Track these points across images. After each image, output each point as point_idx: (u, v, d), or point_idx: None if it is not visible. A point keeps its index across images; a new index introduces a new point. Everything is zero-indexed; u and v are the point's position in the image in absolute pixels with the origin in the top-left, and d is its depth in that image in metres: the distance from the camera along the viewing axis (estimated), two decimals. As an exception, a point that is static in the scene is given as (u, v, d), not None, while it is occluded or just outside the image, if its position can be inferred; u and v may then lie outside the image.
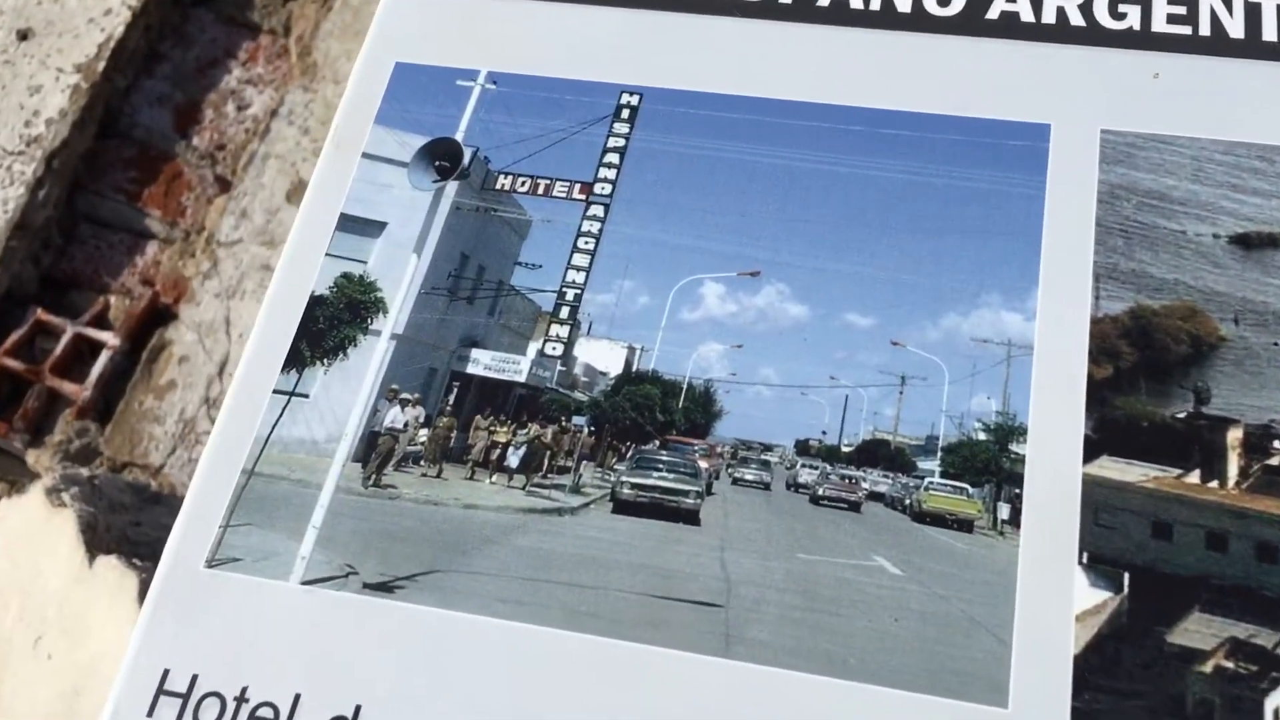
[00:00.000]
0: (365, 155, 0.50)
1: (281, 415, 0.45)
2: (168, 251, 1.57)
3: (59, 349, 1.49)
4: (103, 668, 0.89)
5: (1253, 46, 0.49)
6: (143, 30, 1.62)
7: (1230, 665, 0.36)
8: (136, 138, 1.61)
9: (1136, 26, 0.49)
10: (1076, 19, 0.50)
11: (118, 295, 1.55)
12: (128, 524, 1.13)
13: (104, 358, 1.49)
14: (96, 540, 1.05)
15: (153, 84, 1.63)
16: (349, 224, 0.47)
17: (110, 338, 1.50)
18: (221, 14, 1.66)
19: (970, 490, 0.44)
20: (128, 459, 1.45)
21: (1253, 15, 0.49)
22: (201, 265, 1.55)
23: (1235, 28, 0.50)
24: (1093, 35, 0.50)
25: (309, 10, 1.65)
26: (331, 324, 0.45)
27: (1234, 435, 0.41)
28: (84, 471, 1.29)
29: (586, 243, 0.45)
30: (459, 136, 0.49)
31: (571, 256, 0.45)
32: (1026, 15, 0.50)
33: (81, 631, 0.98)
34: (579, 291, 0.46)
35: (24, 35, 1.58)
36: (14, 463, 1.54)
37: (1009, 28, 0.50)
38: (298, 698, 0.39)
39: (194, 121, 1.62)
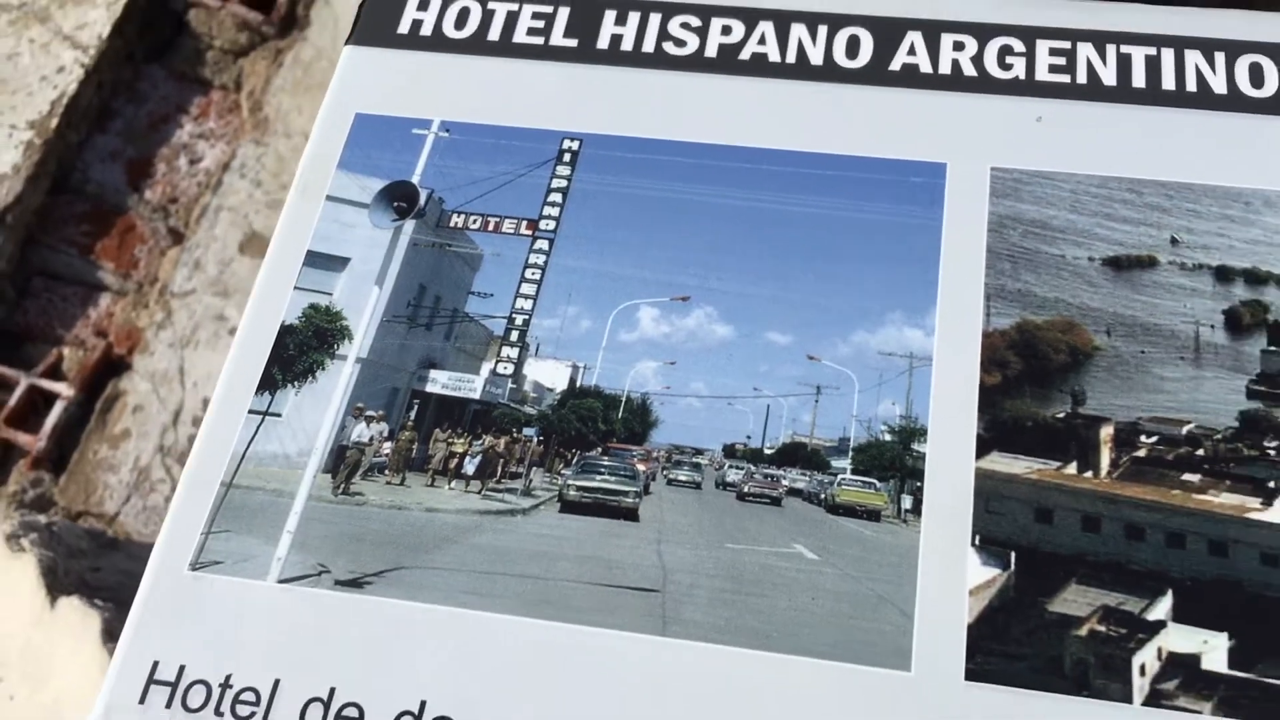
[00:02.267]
0: (329, 198, 0.55)
1: (256, 433, 0.49)
2: (121, 303, 1.60)
3: (13, 400, 1.51)
4: (66, 708, 0.91)
5: (1123, 92, 0.56)
6: (95, 87, 1.66)
7: (1103, 629, 0.42)
8: (89, 192, 1.64)
9: (1022, 76, 0.56)
10: (969, 69, 0.56)
11: (71, 347, 1.58)
12: (86, 569, 1.16)
13: (58, 408, 1.51)
14: (57, 583, 1.08)
15: (105, 140, 1.66)
16: (315, 260, 0.52)
17: (64, 388, 1.53)
18: (174, 70, 1.71)
19: (877, 484, 0.49)
20: (83, 508, 1.47)
21: (1123, 64, 0.57)
22: (155, 316, 1.58)
23: (1109, 76, 0.57)
24: (983, 84, 0.56)
25: (260, 66, 1.70)
26: (301, 350, 0.50)
27: (1106, 432, 0.47)
28: (41, 519, 1.31)
29: (533, 274, 0.51)
30: (415, 179, 0.55)
31: (520, 286, 0.51)
32: (925, 67, 0.57)
33: (44, 673, 1.00)
34: (527, 317, 0.52)
35: None
36: (-34, 517, 1.55)
37: (909, 78, 0.57)
38: (277, 683, 0.43)
39: (146, 175, 1.65)
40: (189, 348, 1.57)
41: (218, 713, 0.43)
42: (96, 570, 1.18)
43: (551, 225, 0.53)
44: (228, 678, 0.44)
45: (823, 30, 0.58)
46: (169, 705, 0.44)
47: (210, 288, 1.59)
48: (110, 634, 1.01)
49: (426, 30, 0.60)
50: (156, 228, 1.64)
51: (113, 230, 1.63)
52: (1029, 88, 0.56)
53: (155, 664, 0.45)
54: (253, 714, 0.43)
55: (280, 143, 1.64)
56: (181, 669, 0.45)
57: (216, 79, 1.71)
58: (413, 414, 0.52)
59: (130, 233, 1.64)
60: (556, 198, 0.52)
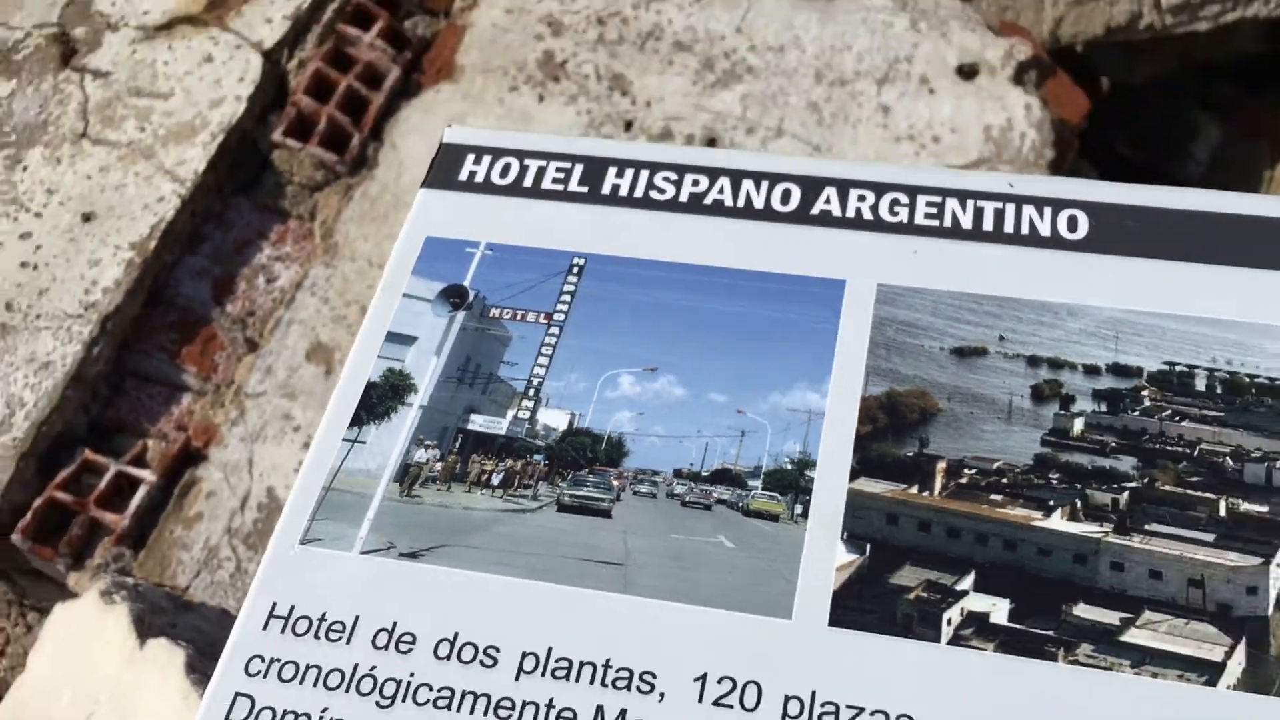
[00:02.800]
0: (405, 295, 0.77)
1: (348, 454, 0.70)
2: (200, 402, 1.83)
3: (102, 484, 1.73)
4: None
5: (977, 233, 0.78)
6: (189, 215, 1.91)
7: (925, 595, 0.61)
8: (179, 305, 1.89)
9: (905, 220, 0.78)
10: (867, 215, 0.79)
11: (155, 439, 1.80)
12: (166, 624, 1.35)
13: (141, 492, 1.73)
14: (145, 629, 1.27)
15: (195, 260, 1.92)
16: (393, 337, 0.74)
17: (147, 475, 1.74)
18: (257, 202, 1.97)
19: (779, 497, 0.69)
20: (158, 580, 1.67)
21: (978, 214, 0.79)
22: (229, 414, 1.80)
23: (966, 221, 0.79)
24: (876, 225, 0.78)
25: (332, 200, 1.96)
26: (380, 399, 0.71)
27: (940, 465, 0.67)
28: (129, 579, 1.51)
29: (546, 350, 0.73)
30: (466, 283, 0.77)
31: (536, 358, 0.73)
32: (836, 212, 0.79)
33: (132, 707, 1.18)
34: (540, 380, 0.74)
35: (88, 217, 1.87)
36: (54, 587, 1.76)
37: (824, 220, 0.79)
38: (357, 618, 0.64)
39: (229, 292, 1.90)
40: (258, 442, 1.78)
41: (315, 637, 0.64)
42: (174, 626, 1.36)
43: (562, 317, 0.75)
44: (323, 614, 0.65)
45: (764, 184, 0.81)
46: (282, 631, 0.64)
47: (279, 390, 1.81)
48: (192, 668, 1.20)
49: (479, 179, 0.84)
50: (235, 337, 1.88)
51: (197, 338, 1.87)
52: (909, 229, 0.77)
53: (274, 604, 0.65)
54: (339, 638, 0.64)
55: (346, 265, 1.88)
56: (292, 608, 0.65)
57: (294, 210, 1.97)
58: (458, 443, 0.73)
59: (212, 341, 1.88)
60: (566, 298, 0.75)
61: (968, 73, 2.22)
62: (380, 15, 2.09)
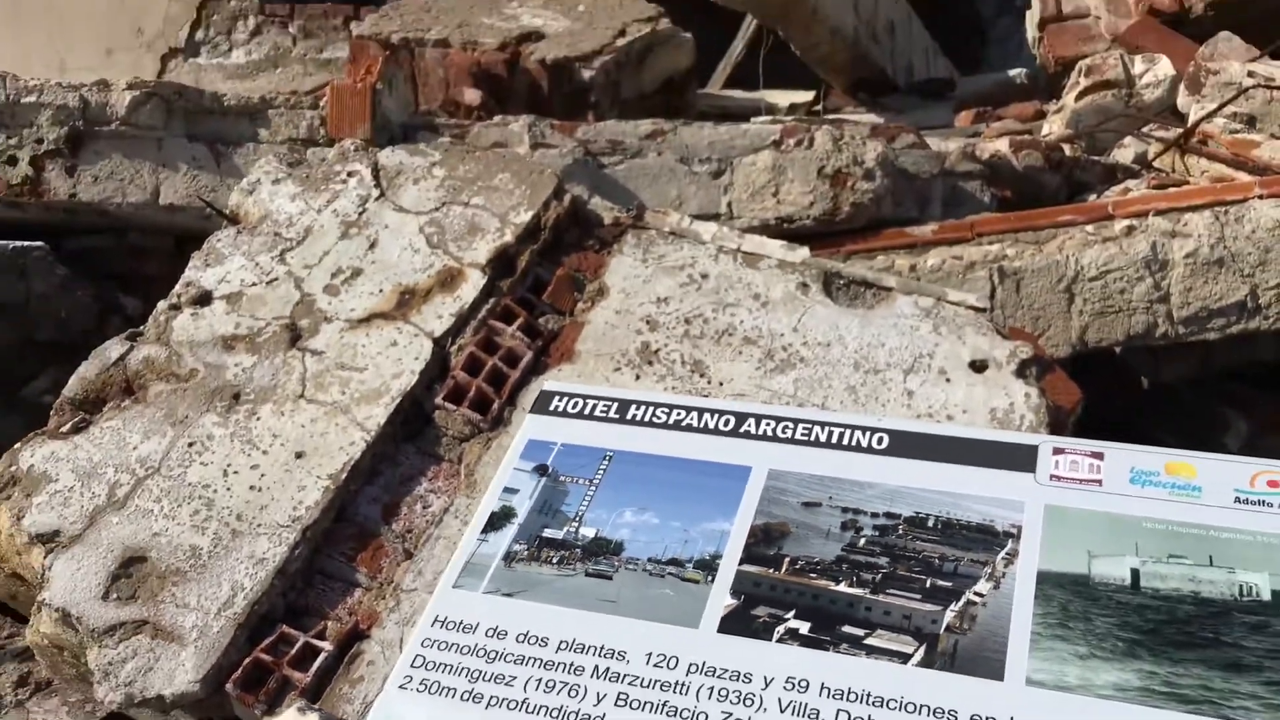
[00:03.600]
0: (514, 469, 1.41)
1: (478, 547, 1.32)
2: (367, 595, 2.43)
3: (292, 651, 2.32)
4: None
5: (827, 443, 1.38)
6: (370, 456, 2.58)
7: (767, 620, 1.17)
8: (357, 522, 2.53)
9: (789, 437, 1.39)
10: (768, 432, 1.39)
11: (333, 620, 2.40)
12: None
13: (320, 659, 2.31)
14: None
15: (371, 489, 2.57)
16: (506, 490, 1.37)
17: (326, 646, 2.33)
18: (420, 448, 2.63)
19: (700, 571, 1.28)
20: None
21: (830, 433, 1.39)
22: (389, 604, 2.39)
23: (823, 437, 1.38)
24: (773, 439, 1.38)
25: (475, 448, 2.60)
26: (497, 519, 1.33)
27: (786, 559, 1.25)
28: (316, 707, 2.08)
29: (587, 498, 1.35)
30: (548, 463, 1.41)
31: (582, 500, 1.35)
32: (753, 431, 1.40)
33: None
34: (583, 512, 1.36)
35: (299, 455, 2.55)
36: (247, 729, 2.32)
37: (747, 434, 1.40)
38: (478, 622, 1.26)
39: (394, 514, 2.54)
40: (408, 625, 2.36)
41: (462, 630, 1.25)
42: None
43: (598, 481, 1.38)
44: (462, 620, 1.26)
45: (718, 416, 1.43)
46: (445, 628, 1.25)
47: (426, 588, 2.40)
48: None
49: (559, 409, 1.48)
50: (396, 547, 2.50)
51: (368, 547, 2.50)
52: (790, 442, 1.39)
53: (443, 615, 1.24)
54: (469, 632, 1.25)
55: (481, 496, 2.50)
56: (448, 616, 1.25)
57: (446, 455, 2.62)
58: (536, 542, 1.34)
59: (379, 550, 2.50)
60: (600, 472, 1.37)
61: (979, 367, 2.79)
62: (520, 314, 2.81)
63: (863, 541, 1.24)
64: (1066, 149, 4.89)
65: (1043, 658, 1.07)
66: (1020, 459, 1.34)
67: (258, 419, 2.60)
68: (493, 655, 1.16)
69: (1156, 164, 4.44)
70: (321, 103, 3.85)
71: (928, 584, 1.16)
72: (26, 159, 3.70)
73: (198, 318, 2.79)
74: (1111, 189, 4.29)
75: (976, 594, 1.14)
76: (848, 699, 1.06)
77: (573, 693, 1.18)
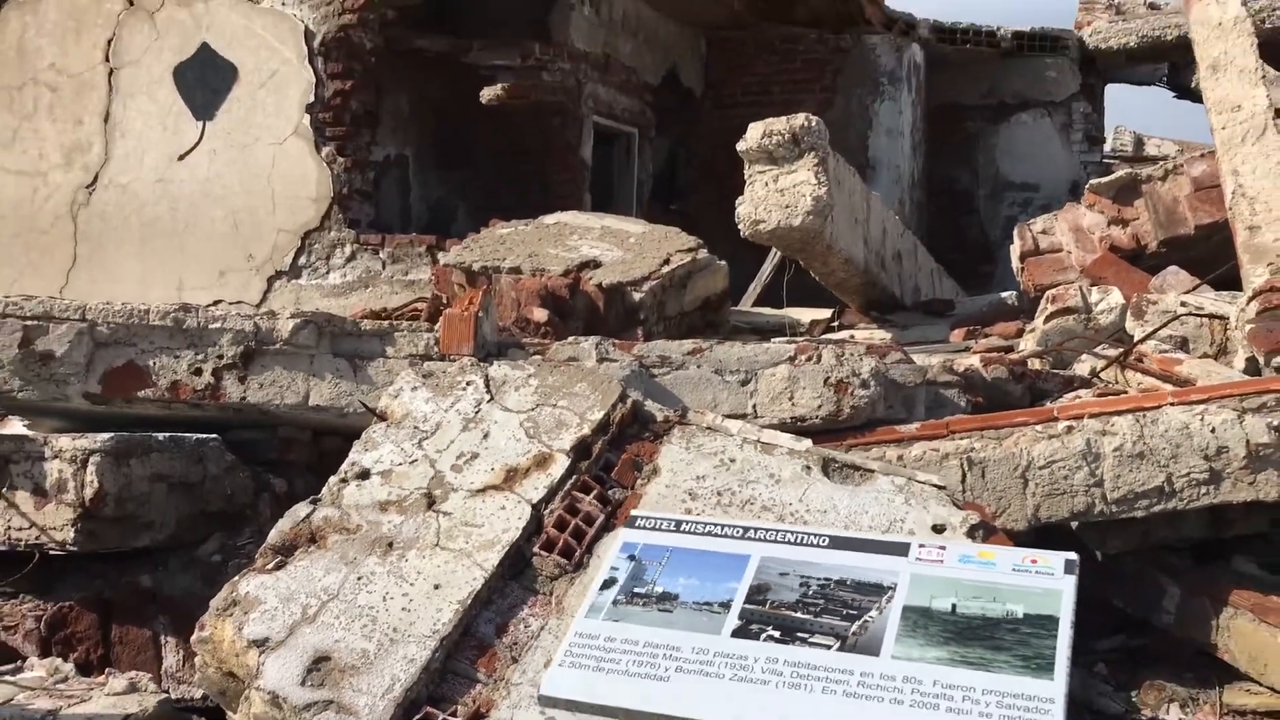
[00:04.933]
0: (611, 565, 2.40)
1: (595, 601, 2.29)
2: (485, 688, 3.34)
3: None
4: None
5: (811, 542, 2.36)
6: (487, 589, 3.53)
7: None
8: (477, 636, 3.46)
9: (779, 540, 2.36)
10: (769, 536, 2.37)
11: (460, 707, 3.30)
12: None
13: None
14: None
15: (487, 613, 3.51)
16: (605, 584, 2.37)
17: None
18: (522, 584, 3.58)
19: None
20: None
21: (805, 535, 2.35)
22: (501, 695, 3.31)
23: (795, 539, 2.37)
24: (769, 540, 2.36)
25: (562, 584, 3.55)
26: (600, 590, 2.31)
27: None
28: None
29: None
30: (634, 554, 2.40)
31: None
32: (756, 536, 2.38)
33: None
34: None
35: (437, 587, 3.50)
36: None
37: (757, 539, 2.38)
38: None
39: (504, 630, 3.47)
40: (517, 709, 3.26)
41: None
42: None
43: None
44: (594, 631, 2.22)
45: (733, 529, 2.42)
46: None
47: (529, 684, 3.32)
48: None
49: (641, 524, 2.47)
50: (505, 655, 3.42)
51: (485, 655, 3.42)
52: (779, 544, 2.36)
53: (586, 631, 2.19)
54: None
55: (567, 618, 3.43)
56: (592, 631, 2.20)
57: (541, 590, 3.57)
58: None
59: (493, 657, 3.42)
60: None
61: (939, 529, 3.72)
62: (595, 487, 3.80)
63: (810, 593, 2.22)
64: (1036, 363, 5.93)
65: (901, 646, 2.05)
66: (900, 549, 2.32)
67: (406, 560, 3.57)
68: (608, 649, 2.11)
69: (1104, 376, 5.44)
70: (435, 326, 4.95)
71: (844, 612, 2.13)
72: (209, 370, 4.80)
73: (360, 488, 3.80)
74: (1065, 396, 5.28)
75: (870, 616, 2.11)
76: (798, 667, 1.99)
77: (652, 666, 2.14)
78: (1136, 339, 5.60)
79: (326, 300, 8.98)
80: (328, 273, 9.07)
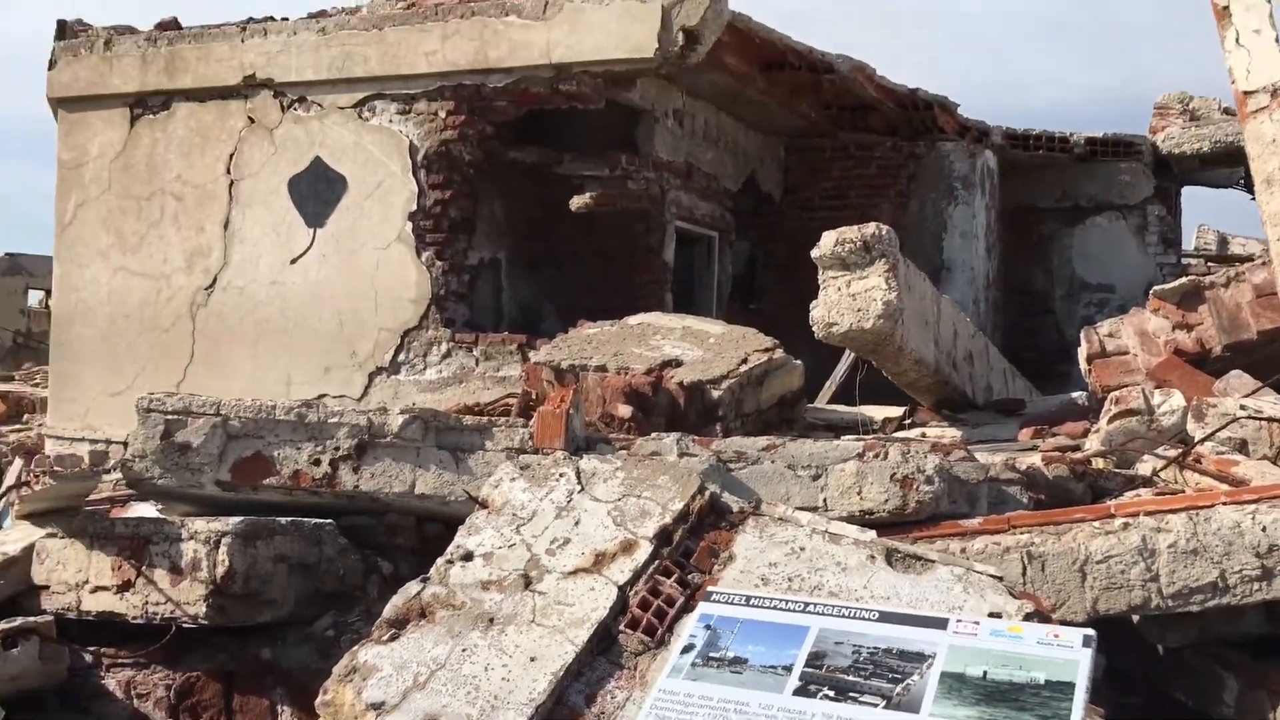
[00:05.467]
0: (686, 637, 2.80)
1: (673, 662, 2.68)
2: None
3: None
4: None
5: (864, 616, 2.72)
6: (577, 662, 3.90)
7: (810, 689, 2.49)
8: (568, 704, 3.84)
9: (835, 614, 2.73)
10: (825, 610, 2.73)
11: None
12: None
13: None
14: None
15: (577, 684, 3.88)
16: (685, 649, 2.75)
17: None
18: (608, 658, 3.95)
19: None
20: None
21: (859, 610, 2.72)
22: None
23: (861, 614, 2.73)
24: (826, 614, 2.73)
25: (645, 660, 3.92)
26: (681, 655, 2.69)
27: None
28: None
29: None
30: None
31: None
32: (813, 610, 2.75)
33: None
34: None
35: (533, 659, 3.89)
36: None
37: (812, 611, 2.76)
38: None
39: (593, 700, 3.84)
40: None
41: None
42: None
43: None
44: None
45: (794, 603, 2.79)
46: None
47: None
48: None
49: (717, 599, 2.85)
50: None
51: None
52: (837, 617, 2.73)
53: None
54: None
55: (652, 690, 3.79)
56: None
57: (626, 665, 3.93)
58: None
59: None
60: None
61: (995, 616, 4.03)
62: (676, 571, 4.18)
63: (860, 659, 2.59)
64: (1100, 462, 6.19)
65: (939, 706, 2.40)
66: (940, 623, 2.69)
67: (505, 635, 3.97)
68: (687, 703, 2.51)
69: (1163, 476, 5.68)
70: (529, 421, 5.40)
71: (889, 676, 2.50)
72: (327, 461, 5.29)
73: (465, 568, 4.23)
74: (1126, 495, 5.54)
75: (912, 680, 2.47)
76: None
77: (724, 719, 2.55)
78: (1195, 440, 5.84)
79: (423, 395, 9.52)
80: (425, 369, 9.63)
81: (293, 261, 9.89)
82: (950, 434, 7.80)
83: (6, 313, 30.46)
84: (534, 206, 10.81)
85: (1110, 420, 6.50)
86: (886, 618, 3.06)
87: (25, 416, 11.91)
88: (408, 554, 5.47)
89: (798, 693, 2.86)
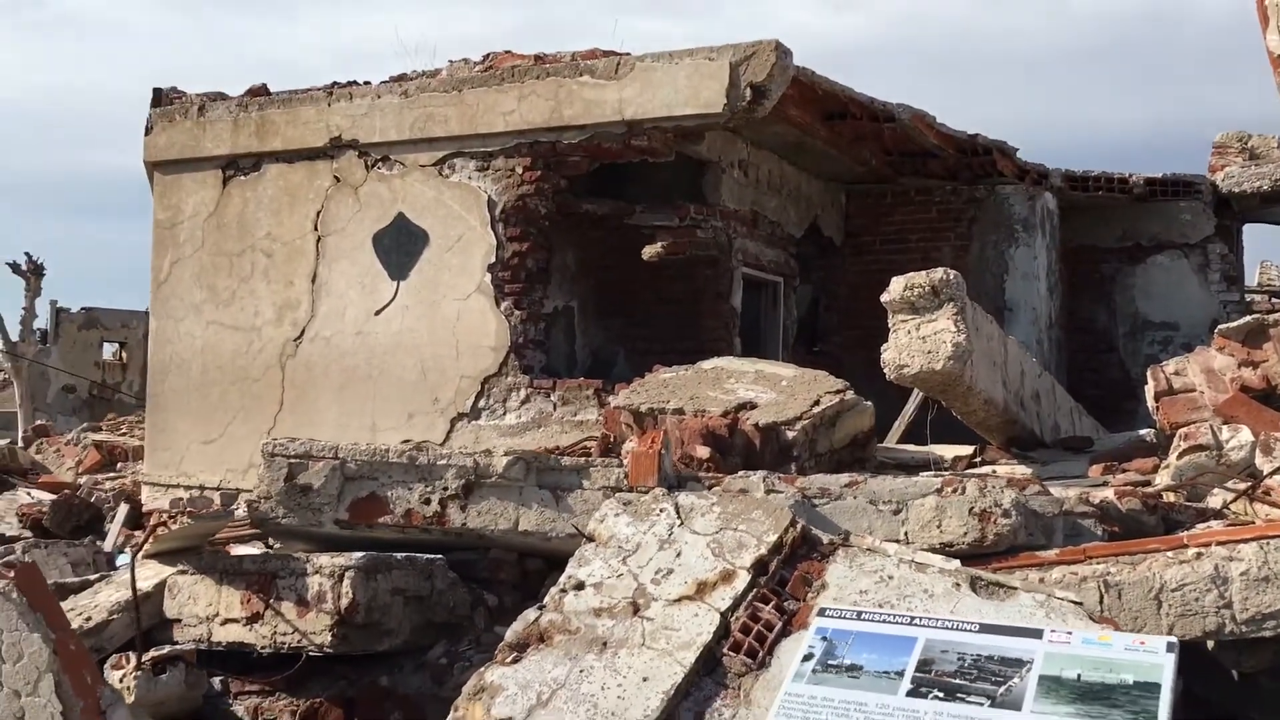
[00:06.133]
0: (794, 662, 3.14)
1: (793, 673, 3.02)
2: None
3: None
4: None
5: (973, 628, 3.04)
6: (686, 682, 4.24)
7: (919, 690, 2.82)
8: None
9: (940, 628, 3.05)
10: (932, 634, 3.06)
11: None
12: None
13: None
14: None
15: (687, 703, 4.21)
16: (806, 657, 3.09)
17: None
18: (715, 678, 4.28)
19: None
20: None
21: (961, 623, 3.03)
22: None
23: (953, 626, 3.04)
24: (931, 627, 3.04)
25: (749, 681, 4.24)
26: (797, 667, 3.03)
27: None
28: None
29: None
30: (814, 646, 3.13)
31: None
32: (921, 622, 3.06)
33: None
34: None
35: (645, 679, 4.23)
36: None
37: (914, 624, 3.08)
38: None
39: (701, 718, 4.15)
40: None
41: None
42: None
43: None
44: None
45: (900, 618, 3.11)
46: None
47: None
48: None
49: (829, 614, 3.19)
50: None
51: None
52: (944, 630, 3.05)
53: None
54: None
55: (756, 709, 4.11)
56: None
57: (730, 684, 4.25)
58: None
59: None
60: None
61: None
62: (773, 598, 4.50)
63: (965, 665, 2.91)
64: (1171, 496, 6.44)
65: (1039, 704, 2.72)
66: (1035, 634, 3.04)
67: (618, 657, 4.31)
68: (811, 704, 2.85)
69: (1233, 508, 5.92)
70: (624, 461, 5.77)
71: (992, 679, 2.82)
72: (436, 501, 5.69)
73: (578, 597, 4.58)
74: (1198, 527, 5.78)
75: (1013, 683, 2.79)
76: (959, 718, 2.67)
77: (845, 717, 2.86)
78: (1265, 474, 6.08)
79: (503, 440, 9.92)
80: (504, 414, 10.03)
81: (377, 313, 10.36)
82: (1020, 471, 8.06)
83: (83, 365, 31.53)
84: (605, 255, 11.24)
85: (1180, 456, 6.74)
86: (986, 629, 3.40)
87: (119, 465, 12.47)
88: (510, 588, 5.83)
89: (910, 694, 3.21)
